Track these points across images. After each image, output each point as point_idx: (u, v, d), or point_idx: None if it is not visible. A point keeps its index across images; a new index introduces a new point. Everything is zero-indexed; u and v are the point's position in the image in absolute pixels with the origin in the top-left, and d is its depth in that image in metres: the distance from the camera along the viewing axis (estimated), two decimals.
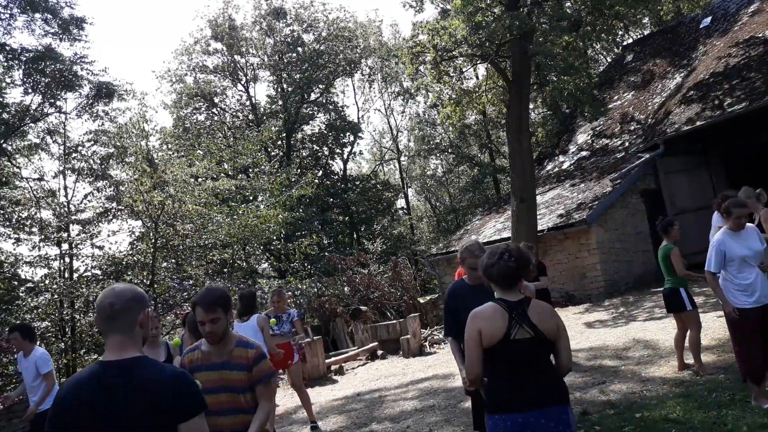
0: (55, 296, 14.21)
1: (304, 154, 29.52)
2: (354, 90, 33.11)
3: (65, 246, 15.57)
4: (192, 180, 15.63)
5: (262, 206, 17.10)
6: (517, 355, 2.80)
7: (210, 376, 3.17)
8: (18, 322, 12.97)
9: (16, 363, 6.49)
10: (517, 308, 2.84)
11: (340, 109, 29.74)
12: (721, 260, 4.76)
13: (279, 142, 27.87)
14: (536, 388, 2.79)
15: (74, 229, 15.96)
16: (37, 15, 14.87)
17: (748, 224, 4.96)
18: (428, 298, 17.21)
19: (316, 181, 24.67)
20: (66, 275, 15.59)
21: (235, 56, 28.21)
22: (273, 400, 3.30)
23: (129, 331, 2.13)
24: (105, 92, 16.47)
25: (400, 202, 33.00)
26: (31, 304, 14.22)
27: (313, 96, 28.92)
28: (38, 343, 6.52)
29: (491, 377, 2.90)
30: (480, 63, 15.26)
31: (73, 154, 17.80)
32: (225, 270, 16.60)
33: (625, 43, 23.89)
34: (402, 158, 33.27)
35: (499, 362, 2.86)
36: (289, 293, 15.45)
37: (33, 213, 15.97)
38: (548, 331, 2.82)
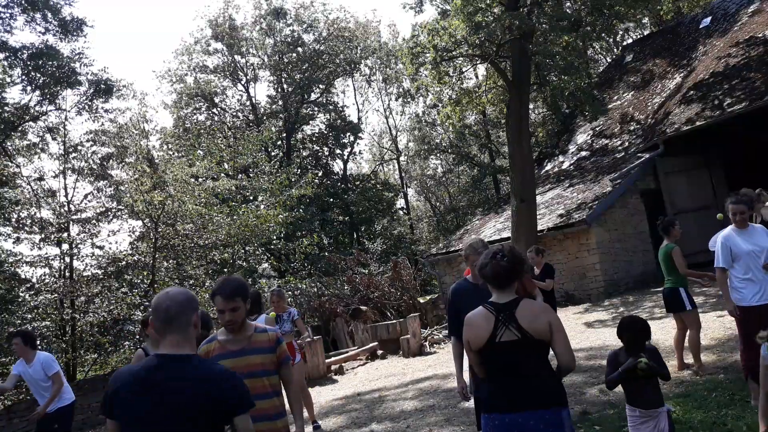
0: (55, 296, 14.21)
1: (304, 154, 29.51)
2: (354, 90, 33.13)
3: (65, 246, 15.57)
4: (192, 180, 15.62)
5: (262, 206, 17.09)
6: (504, 357, 2.81)
7: (228, 365, 3.22)
8: (18, 322, 13.00)
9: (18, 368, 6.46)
10: (505, 310, 2.84)
11: (340, 109, 29.75)
12: (728, 256, 4.77)
13: (279, 142, 27.86)
14: (526, 389, 2.79)
15: (74, 228, 15.97)
16: (38, 15, 14.86)
17: (757, 225, 4.98)
18: (428, 298, 17.20)
19: (316, 181, 24.65)
20: (66, 275, 15.58)
21: (236, 56, 28.20)
22: (296, 382, 3.42)
23: (184, 331, 2.31)
24: (104, 89, 16.44)
25: (400, 202, 33.02)
26: (31, 304, 14.23)
27: (313, 96, 28.91)
28: (39, 344, 6.51)
29: (484, 378, 2.93)
30: (480, 63, 15.27)
31: (73, 154, 17.79)
32: (225, 270, 16.59)
33: (625, 43, 23.91)
34: (402, 158, 33.28)
35: (487, 364, 2.89)
36: (289, 293, 15.47)
37: (33, 213, 15.97)
38: (538, 332, 2.79)
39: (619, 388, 3.75)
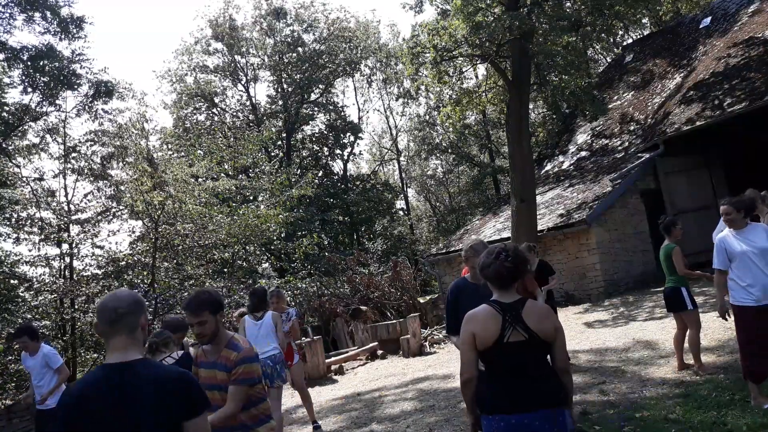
0: (55, 295, 14.22)
1: (304, 154, 29.54)
2: (354, 90, 33.16)
3: (65, 246, 15.57)
4: (192, 180, 15.63)
5: (262, 206, 17.10)
6: (512, 357, 2.80)
7: (205, 374, 3.32)
8: (19, 321, 13.00)
9: (21, 362, 6.52)
10: (511, 310, 2.83)
11: (340, 109, 29.76)
12: (724, 257, 4.77)
13: (279, 142, 27.88)
14: (531, 390, 2.79)
15: (74, 229, 15.96)
16: (37, 15, 14.86)
17: (758, 223, 4.96)
18: (428, 298, 17.21)
19: (316, 181, 24.66)
20: (66, 275, 15.59)
21: (236, 56, 28.22)
22: (236, 404, 3.22)
23: (132, 332, 2.22)
24: (104, 91, 16.44)
25: (400, 203, 33.03)
26: (32, 304, 14.23)
27: (313, 96, 28.93)
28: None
29: (487, 378, 2.90)
30: (480, 63, 15.26)
31: (73, 154, 17.78)
32: (225, 270, 16.60)
33: (625, 43, 23.91)
34: (402, 158, 33.29)
35: (493, 364, 2.86)
36: (289, 293, 15.47)
37: (33, 213, 15.96)
38: (544, 333, 2.81)
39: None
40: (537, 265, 7.53)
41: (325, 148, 29.86)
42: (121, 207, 15.74)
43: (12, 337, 6.47)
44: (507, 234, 13.99)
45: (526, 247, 7.60)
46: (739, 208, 4.83)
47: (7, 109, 15.08)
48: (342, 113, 29.63)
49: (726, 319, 4.77)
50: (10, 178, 16.07)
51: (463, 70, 16.37)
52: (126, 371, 2.13)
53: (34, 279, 15.07)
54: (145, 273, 14.43)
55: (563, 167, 17.31)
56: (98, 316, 2.23)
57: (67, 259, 15.92)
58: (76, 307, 14.30)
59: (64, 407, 2.16)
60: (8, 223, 15.24)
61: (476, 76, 22.88)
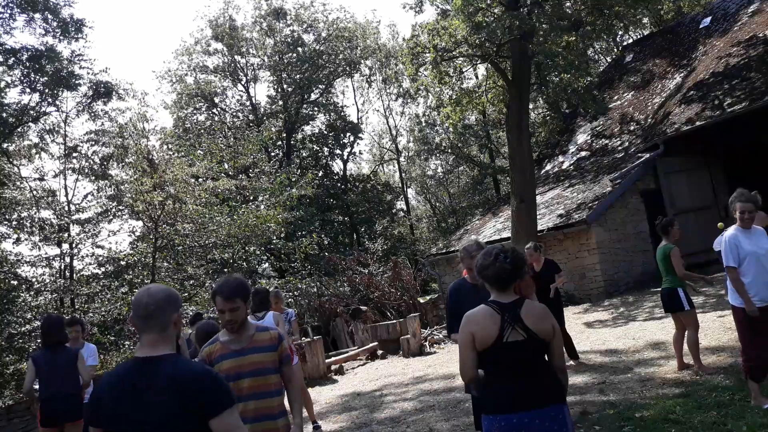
0: (55, 295, 14.23)
1: (304, 154, 29.54)
2: (354, 90, 33.15)
3: (65, 246, 15.57)
4: (192, 180, 15.63)
5: (262, 206, 17.11)
6: (511, 357, 2.81)
7: (230, 364, 3.27)
8: (21, 321, 13.02)
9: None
10: (510, 310, 2.85)
11: (340, 109, 29.76)
12: (737, 254, 4.70)
13: (279, 143, 27.89)
14: (531, 388, 2.80)
15: (74, 229, 15.96)
16: (37, 15, 14.85)
17: (756, 226, 4.93)
18: (428, 298, 17.21)
19: (316, 181, 24.65)
20: (66, 275, 15.59)
21: (236, 56, 28.22)
22: (300, 380, 3.37)
23: (163, 330, 2.25)
24: (103, 91, 16.44)
25: (400, 203, 33.01)
26: (32, 304, 14.23)
27: (313, 96, 28.93)
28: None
29: (486, 378, 2.91)
30: (480, 63, 15.28)
31: (74, 154, 17.79)
32: (225, 270, 16.59)
33: (625, 43, 23.91)
34: (402, 158, 33.28)
35: (493, 364, 2.87)
36: (289, 293, 15.47)
37: (33, 213, 15.96)
38: (542, 332, 2.83)
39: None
40: (543, 263, 7.53)
41: (325, 148, 29.86)
42: (121, 207, 15.74)
43: (68, 323, 6.32)
44: (507, 234, 13.98)
45: (533, 246, 7.59)
46: (757, 206, 4.78)
47: (6, 109, 15.07)
48: (342, 113, 29.63)
49: (758, 314, 4.67)
50: (10, 178, 16.07)
51: (463, 70, 16.37)
52: (151, 365, 2.17)
53: (35, 279, 15.08)
54: (145, 273, 14.43)
55: (563, 167, 17.31)
56: (132, 311, 2.28)
57: (68, 259, 15.93)
58: (77, 306, 14.31)
59: (92, 393, 2.26)
60: (8, 223, 15.24)
61: (476, 76, 22.88)
